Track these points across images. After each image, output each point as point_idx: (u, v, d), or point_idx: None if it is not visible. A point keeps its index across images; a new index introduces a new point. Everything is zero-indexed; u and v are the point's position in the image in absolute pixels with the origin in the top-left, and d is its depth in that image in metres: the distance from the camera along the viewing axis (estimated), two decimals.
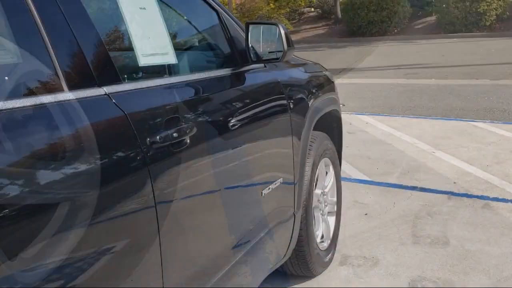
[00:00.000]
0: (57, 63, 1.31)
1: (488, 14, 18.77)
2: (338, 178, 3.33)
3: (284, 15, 24.73)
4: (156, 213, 1.48)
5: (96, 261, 1.27)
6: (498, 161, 4.92)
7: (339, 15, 22.82)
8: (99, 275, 1.28)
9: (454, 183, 4.42)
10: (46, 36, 1.30)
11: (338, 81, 10.25)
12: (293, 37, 15.30)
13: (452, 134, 5.96)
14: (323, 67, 3.33)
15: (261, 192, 2.21)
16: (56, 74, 1.31)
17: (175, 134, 1.58)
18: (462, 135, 5.90)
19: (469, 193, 4.17)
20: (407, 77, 10.65)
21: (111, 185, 1.34)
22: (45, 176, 1.17)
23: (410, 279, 2.96)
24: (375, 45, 18.44)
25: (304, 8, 25.93)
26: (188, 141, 1.65)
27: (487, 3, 18.68)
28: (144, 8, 1.72)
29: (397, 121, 6.78)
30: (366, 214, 3.90)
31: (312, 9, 25.92)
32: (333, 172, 3.23)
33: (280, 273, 2.97)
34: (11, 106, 1.17)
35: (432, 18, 20.88)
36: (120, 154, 1.41)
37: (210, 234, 1.85)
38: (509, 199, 4.01)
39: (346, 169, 4.88)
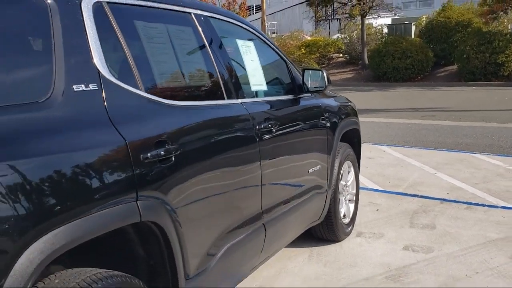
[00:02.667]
0: (223, 87, 2.81)
1: (506, 65, 20.11)
2: (357, 177, 4.74)
3: (314, 60, 26.45)
4: (260, 164, 2.93)
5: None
6: (485, 181, 6.27)
7: (366, 61, 24.40)
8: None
9: (447, 193, 5.77)
10: (219, 75, 2.80)
11: (362, 119, 11.69)
12: None
13: (454, 162, 7.32)
14: (348, 99, 4.78)
15: (308, 170, 3.66)
16: (222, 90, 2.80)
17: (269, 125, 3.05)
18: (461, 163, 7.25)
19: (457, 200, 5.52)
20: (424, 118, 12.05)
21: (245, 147, 2.81)
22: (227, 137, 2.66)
23: (404, 245, 4.32)
24: (399, 90, 19.92)
25: (333, 54, 27.65)
26: (274, 130, 3.11)
27: (506, 55, 20.05)
28: (253, 61, 3.24)
29: (409, 151, 8.17)
30: (377, 210, 5.28)
31: (341, 55, 27.63)
32: (353, 172, 4.65)
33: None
34: (204, 103, 2.66)
35: (454, 67, 22.28)
36: (246, 133, 2.87)
37: (283, 182, 3.30)
38: (486, 204, 5.35)
39: (365, 182, 6.29)
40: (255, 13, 44.89)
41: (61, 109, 1.82)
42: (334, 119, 4.15)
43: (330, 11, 28.42)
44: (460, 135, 9.72)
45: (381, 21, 29.39)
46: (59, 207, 1.68)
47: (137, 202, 1.97)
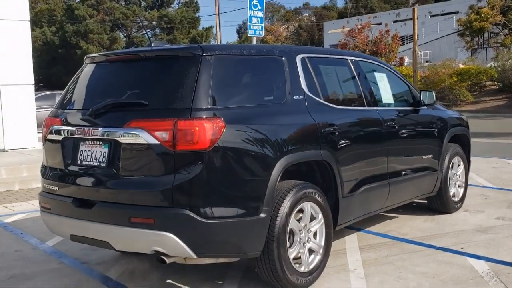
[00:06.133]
0: (364, 100, 4.94)
1: None
2: (466, 170, 6.51)
3: (465, 87, 27.09)
4: (387, 148, 4.98)
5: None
6: None
7: None
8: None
9: None
10: (362, 93, 4.96)
11: (501, 141, 12.97)
12: (473, 107, 19.36)
13: None
14: (459, 112, 6.60)
15: (422, 156, 5.62)
16: (364, 101, 4.94)
17: (394, 123, 5.11)
18: None
19: None
20: None
21: (377, 135, 4.91)
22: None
23: (497, 216, 6.01)
24: None
25: (485, 81, 28.00)
26: (396, 127, 5.15)
27: None
28: (384, 85, 5.35)
29: None
30: (486, 198, 6.95)
31: (494, 83, 27.87)
32: (462, 165, 6.45)
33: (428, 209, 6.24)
34: (353, 108, 4.84)
35: None
36: (377, 127, 4.96)
37: (401, 159, 5.29)
38: None
39: (483, 182, 7.93)
40: (409, 42, 45.94)
41: (290, 106, 4.13)
42: (444, 124, 6.04)
43: (482, 41, 28.85)
44: None
45: None
46: (290, 145, 3.94)
47: (320, 150, 4.19)
